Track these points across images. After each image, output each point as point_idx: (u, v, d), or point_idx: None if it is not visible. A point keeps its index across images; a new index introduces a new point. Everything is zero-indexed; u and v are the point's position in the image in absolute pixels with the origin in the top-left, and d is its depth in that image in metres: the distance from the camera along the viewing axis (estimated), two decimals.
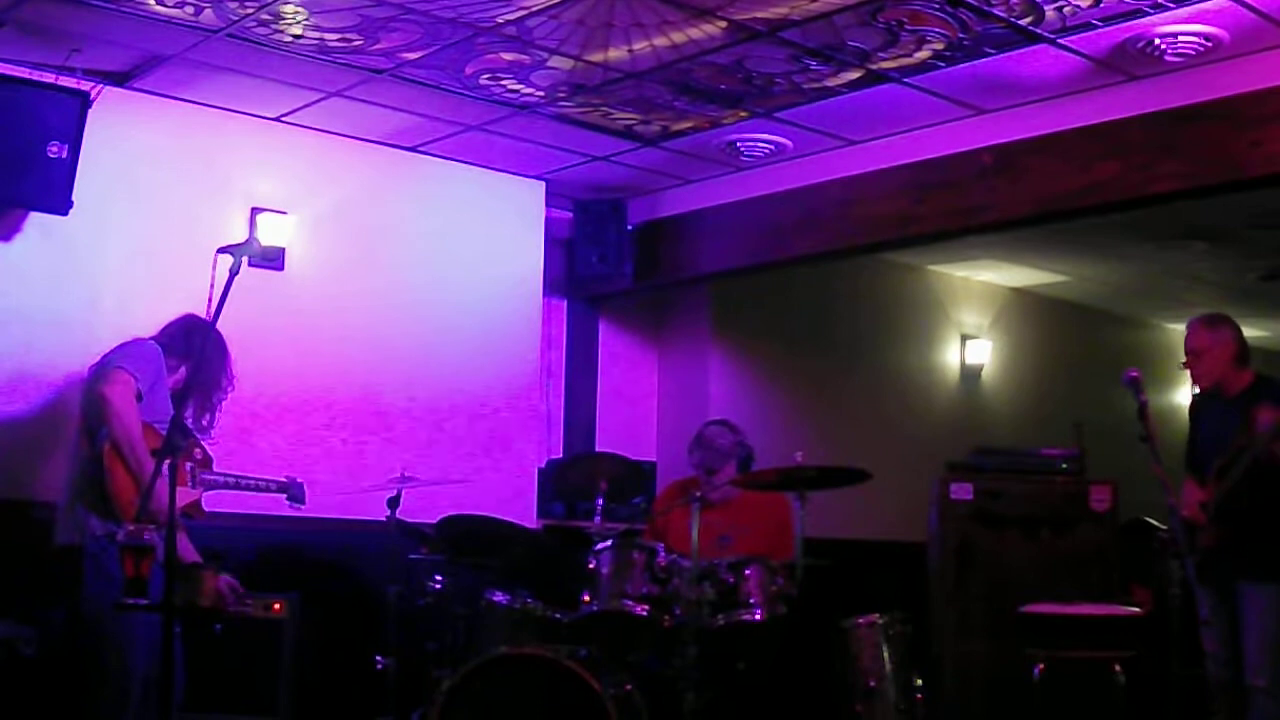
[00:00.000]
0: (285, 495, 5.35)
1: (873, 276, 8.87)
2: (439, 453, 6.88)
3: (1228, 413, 5.30)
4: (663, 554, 5.14)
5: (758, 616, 5.03)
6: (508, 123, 6.53)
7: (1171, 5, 5.03)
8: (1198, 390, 5.50)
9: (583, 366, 8.20)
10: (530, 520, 7.09)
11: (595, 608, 5.13)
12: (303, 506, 5.41)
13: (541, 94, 6.12)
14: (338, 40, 5.52)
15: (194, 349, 4.89)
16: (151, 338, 4.96)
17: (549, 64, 5.74)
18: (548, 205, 7.52)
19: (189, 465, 4.78)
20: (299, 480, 5.42)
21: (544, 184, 7.45)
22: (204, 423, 5.04)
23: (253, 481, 5.23)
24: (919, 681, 5.13)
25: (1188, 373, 5.51)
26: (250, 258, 4.26)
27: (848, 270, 8.43)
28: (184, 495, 4.53)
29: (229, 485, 5.09)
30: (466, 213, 7.20)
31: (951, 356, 9.55)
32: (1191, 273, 9.31)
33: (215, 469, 5.03)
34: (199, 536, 4.87)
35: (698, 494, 5.28)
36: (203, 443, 4.96)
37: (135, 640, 4.44)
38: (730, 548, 5.43)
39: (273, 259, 6.45)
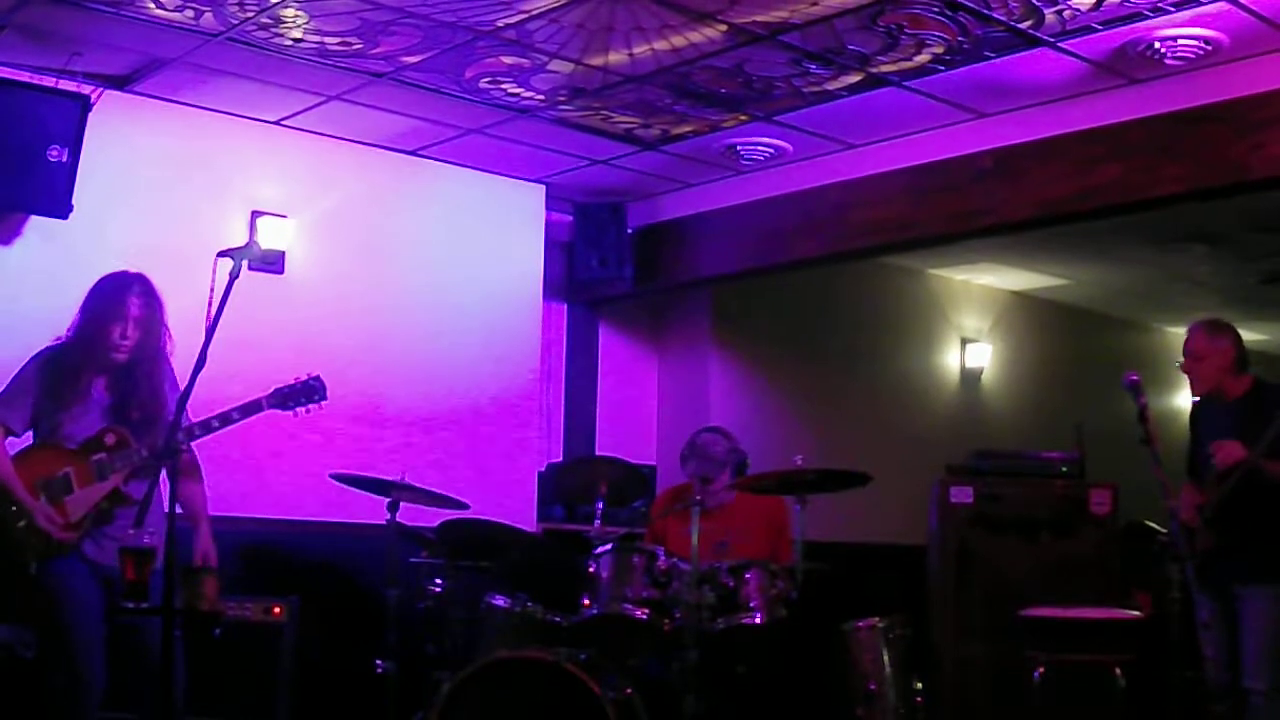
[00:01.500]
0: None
1: (873, 280, 8.87)
2: (439, 456, 6.88)
3: (1228, 417, 5.30)
4: (663, 557, 5.13)
5: (758, 620, 5.03)
6: (508, 126, 6.53)
7: (1171, 9, 5.03)
8: (1196, 395, 5.50)
9: (583, 370, 8.20)
10: (530, 524, 7.10)
11: (595, 611, 5.12)
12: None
13: (542, 98, 6.12)
14: (338, 44, 5.52)
15: (79, 323, 4.61)
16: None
17: (549, 68, 5.74)
18: (548, 209, 7.52)
19: (95, 459, 4.51)
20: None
21: (544, 187, 7.46)
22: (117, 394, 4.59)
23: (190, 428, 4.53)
24: (919, 685, 5.12)
25: (1184, 373, 5.51)
26: (250, 261, 4.25)
27: (848, 274, 8.44)
28: (95, 491, 4.47)
29: (147, 461, 4.51)
30: (466, 216, 7.20)
31: (951, 360, 9.56)
32: (1192, 276, 9.31)
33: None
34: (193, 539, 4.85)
35: (698, 498, 5.27)
36: (115, 426, 4.57)
37: (80, 652, 4.44)
38: (728, 553, 5.41)
39: (273, 263, 6.46)
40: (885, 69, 5.69)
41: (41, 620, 4.56)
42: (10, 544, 4.48)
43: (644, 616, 5.04)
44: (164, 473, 4.05)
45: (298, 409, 4.67)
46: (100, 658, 4.46)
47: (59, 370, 4.60)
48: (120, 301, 4.60)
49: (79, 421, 4.58)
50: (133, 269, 4.75)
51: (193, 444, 4.63)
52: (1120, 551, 6.62)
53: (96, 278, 4.96)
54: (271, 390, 4.63)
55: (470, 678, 4.83)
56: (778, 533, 5.64)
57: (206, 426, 4.53)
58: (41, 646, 4.64)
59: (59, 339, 4.69)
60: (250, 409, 4.57)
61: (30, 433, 4.65)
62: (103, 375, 4.64)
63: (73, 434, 4.58)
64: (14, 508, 4.47)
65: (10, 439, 4.59)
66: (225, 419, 4.56)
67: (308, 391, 4.67)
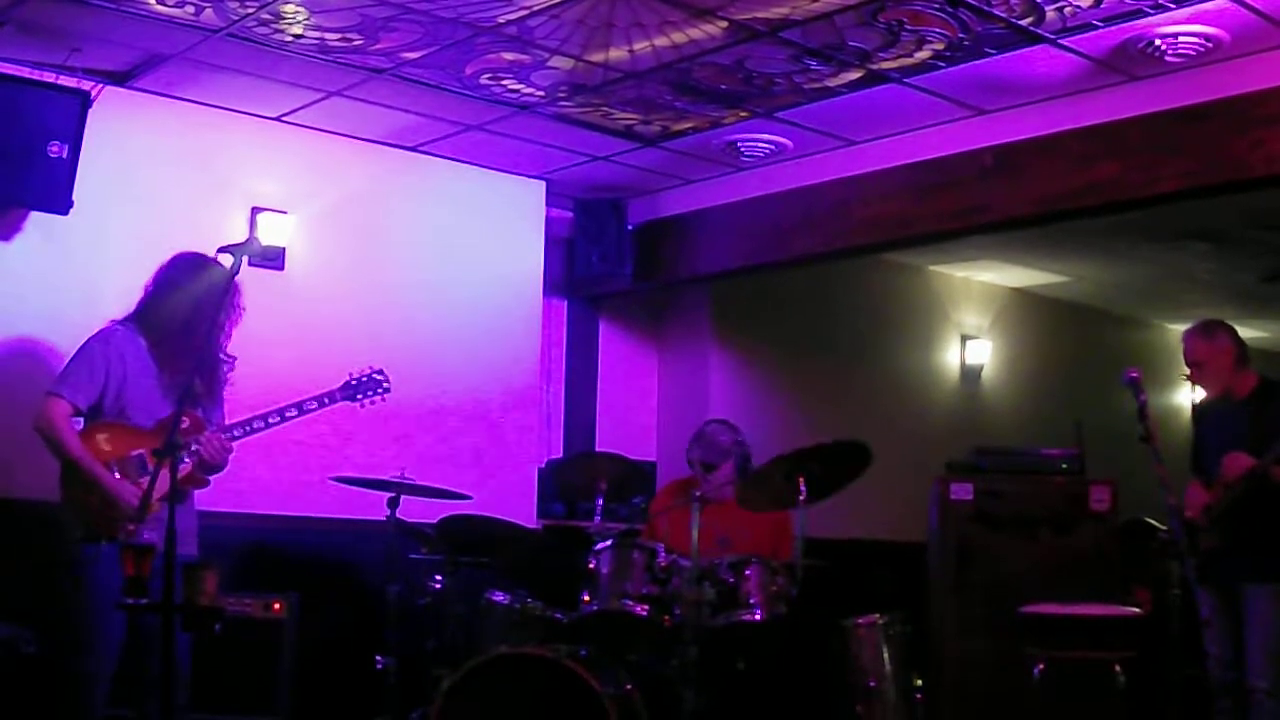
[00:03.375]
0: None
1: (873, 277, 8.87)
2: (439, 452, 6.88)
3: (1236, 415, 5.31)
4: (663, 554, 5.13)
5: (758, 616, 5.03)
6: (508, 122, 6.53)
7: (1172, 6, 5.03)
8: (1204, 396, 5.49)
9: (583, 366, 8.20)
10: (530, 520, 7.10)
11: (595, 607, 5.13)
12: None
13: (542, 94, 6.12)
14: (338, 40, 5.52)
15: (152, 302, 4.68)
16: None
17: (549, 64, 5.74)
18: (548, 205, 7.52)
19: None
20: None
21: (544, 183, 7.46)
22: (206, 381, 4.65)
23: (263, 419, 4.75)
24: (919, 681, 5.13)
25: (1191, 382, 5.52)
26: (250, 257, 4.25)
27: (848, 270, 8.43)
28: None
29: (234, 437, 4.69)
30: (467, 212, 7.20)
31: (951, 356, 9.56)
32: (1192, 274, 9.31)
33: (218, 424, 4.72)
34: (198, 534, 4.86)
35: (698, 493, 5.27)
36: (189, 410, 4.59)
37: (101, 643, 4.47)
38: (730, 548, 5.42)
39: (273, 259, 6.46)
40: (886, 65, 5.68)
41: (71, 606, 4.54)
42: (80, 524, 4.49)
43: (644, 613, 5.05)
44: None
45: (363, 400, 4.95)
46: (115, 654, 4.48)
47: (158, 349, 4.62)
48: (229, 293, 4.55)
49: (147, 399, 4.60)
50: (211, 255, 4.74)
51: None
52: (1120, 548, 6.62)
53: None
54: (342, 383, 4.91)
55: (470, 674, 4.84)
56: (779, 529, 5.65)
57: (283, 415, 4.73)
58: (62, 633, 4.64)
59: (120, 317, 4.70)
60: (325, 400, 4.84)
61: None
62: (190, 358, 4.59)
63: (141, 412, 4.59)
64: (84, 489, 4.47)
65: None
66: (301, 408, 4.77)
67: (373, 384, 4.96)
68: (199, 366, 4.60)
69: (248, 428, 4.67)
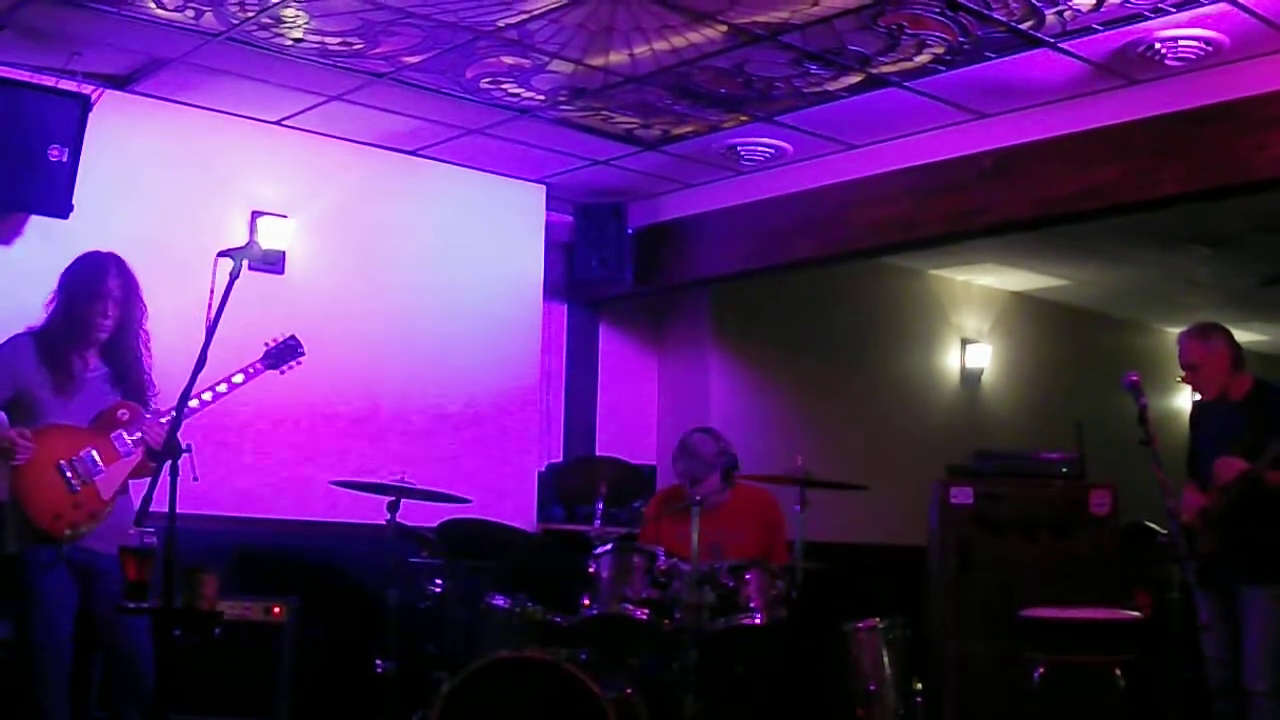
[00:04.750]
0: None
1: (873, 280, 8.87)
2: (439, 456, 6.87)
3: (1230, 418, 5.31)
4: (663, 558, 5.14)
5: (758, 620, 5.03)
6: (508, 126, 6.53)
7: (1172, 10, 5.03)
8: (1199, 397, 5.51)
9: (583, 370, 8.20)
10: (530, 524, 7.10)
11: (595, 611, 5.13)
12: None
13: (542, 98, 6.12)
14: (338, 44, 5.52)
15: (52, 308, 4.73)
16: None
17: (549, 68, 5.74)
18: (548, 209, 7.52)
19: (114, 435, 4.62)
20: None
21: (544, 188, 7.46)
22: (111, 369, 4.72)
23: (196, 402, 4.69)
24: (919, 685, 5.13)
25: (1187, 384, 5.53)
26: (251, 261, 4.27)
27: (848, 274, 8.44)
28: (122, 467, 4.58)
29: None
30: (467, 216, 7.20)
31: (951, 360, 9.56)
32: (1192, 277, 9.31)
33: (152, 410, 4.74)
34: (198, 539, 4.85)
35: (698, 499, 5.27)
36: (126, 401, 4.70)
37: (49, 645, 4.51)
38: (721, 554, 5.41)
39: (273, 263, 6.46)
40: (886, 69, 5.69)
41: (15, 609, 4.61)
42: (26, 528, 4.51)
43: (644, 616, 5.05)
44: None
45: (283, 367, 4.96)
46: (63, 653, 4.50)
47: (47, 353, 4.65)
48: (100, 280, 4.69)
49: (76, 400, 4.63)
50: (104, 249, 4.85)
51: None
52: (1120, 552, 6.62)
53: None
54: (262, 354, 4.91)
55: (470, 678, 4.83)
56: (771, 532, 5.64)
57: (214, 391, 4.72)
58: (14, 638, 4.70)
59: (33, 326, 4.74)
60: (250, 371, 4.85)
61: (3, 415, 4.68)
62: (91, 353, 4.70)
63: (75, 412, 4.61)
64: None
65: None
66: (230, 382, 4.77)
67: (290, 350, 4.98)
68: (121, 365, 4.70)
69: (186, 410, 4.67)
